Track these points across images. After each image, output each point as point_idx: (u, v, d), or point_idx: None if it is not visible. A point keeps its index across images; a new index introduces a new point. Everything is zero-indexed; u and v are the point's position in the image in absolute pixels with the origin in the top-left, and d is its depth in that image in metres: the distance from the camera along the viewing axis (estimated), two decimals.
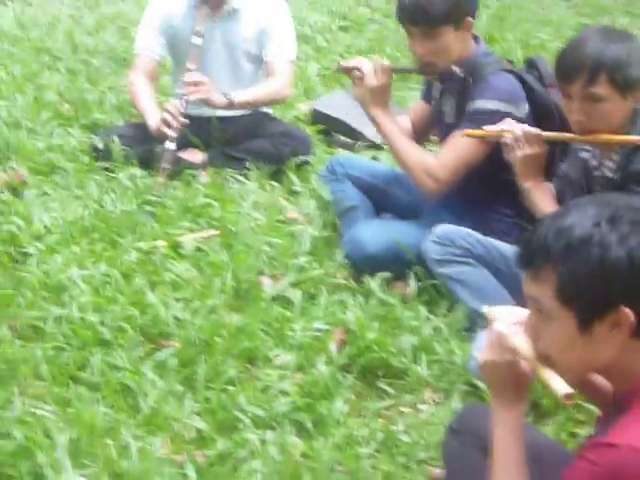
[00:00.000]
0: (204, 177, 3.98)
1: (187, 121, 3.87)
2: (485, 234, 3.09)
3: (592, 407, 2.61)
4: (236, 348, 2.85)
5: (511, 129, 2.86)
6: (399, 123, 3.33)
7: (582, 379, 1.77)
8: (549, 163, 2.90)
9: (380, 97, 3.22)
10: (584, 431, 2.57)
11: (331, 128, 4.56)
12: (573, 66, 2.58)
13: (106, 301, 3.04)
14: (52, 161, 4.08)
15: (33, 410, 2.55)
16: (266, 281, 3.22)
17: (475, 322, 2.96)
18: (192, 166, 3.99)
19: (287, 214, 3.73)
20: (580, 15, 7.19)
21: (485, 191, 3.28)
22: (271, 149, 4.04)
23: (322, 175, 3.70)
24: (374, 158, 4.18)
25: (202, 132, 4.06)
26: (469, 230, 3.07)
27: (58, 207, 3.69)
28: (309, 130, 4.46)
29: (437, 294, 3.12)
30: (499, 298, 2.92)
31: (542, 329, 1.65)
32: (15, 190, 3.83)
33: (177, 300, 3.09)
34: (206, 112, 4.04)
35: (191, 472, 2.38)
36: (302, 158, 4.05)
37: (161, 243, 3.44)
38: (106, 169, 3.98)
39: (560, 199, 2.86)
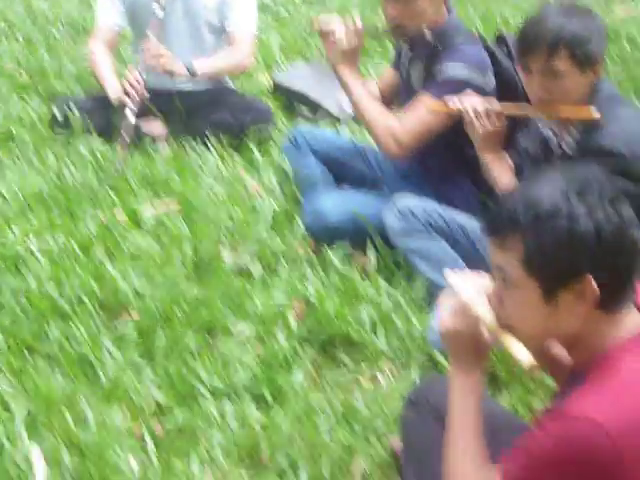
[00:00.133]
0: (164, 149, 3.95)
1: (147, 92, 3.84)
2: (445, 206, 3.11)
3: (548, 379, 2.65)
4: (196, 320, 2.85)
5: (472, 104, 2.86)
6: (366, 85, 3.33)
7: (542, 349, 1.79)
8: (509, 135, 2.91)
9: (350, 58, 3.22)
10: (539, 402, 2.60)
11: (292, 100, 4.54)
12: (533, 41, 2.59)
13: (64, 273, 3.03)
14: (10, 131, 4.04)
15: None
16: (226, 253, 3.22)
17: (434, 294, 2.97)
18: (152, 137, 3.96)
19: (248, 186, 3.72)
20: None
21: (445, 163, 3.29)
22: (232, 121, 4.02)
23: (283, 146, 3.70)
24: (335, 130, 4.18)
25: (163, 103, 4.03)
26: (429, 202, 3.09)
27: (16, 178, 3.65)
28: (270, 102, 4.44)
29: (396, 267, 3.13)
30: (458, 269, 2.94)
31: (506, 298, 1.65)
32: None
33: (136, 272, 3.07)
34: (167, 83, 4.01)
35: (150, 443, 2.39)
36: (263, 130, 4.03)
37: (120, 215, 3.42)
38: (65, 140, 3.94)
39: (518, 172, 2.88)
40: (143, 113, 3.93)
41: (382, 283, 3.06)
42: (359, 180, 3.53)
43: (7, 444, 2.33)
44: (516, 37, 2.70)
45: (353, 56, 3.22)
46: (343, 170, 3.54)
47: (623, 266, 1.60)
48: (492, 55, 3.16)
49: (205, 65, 3.97)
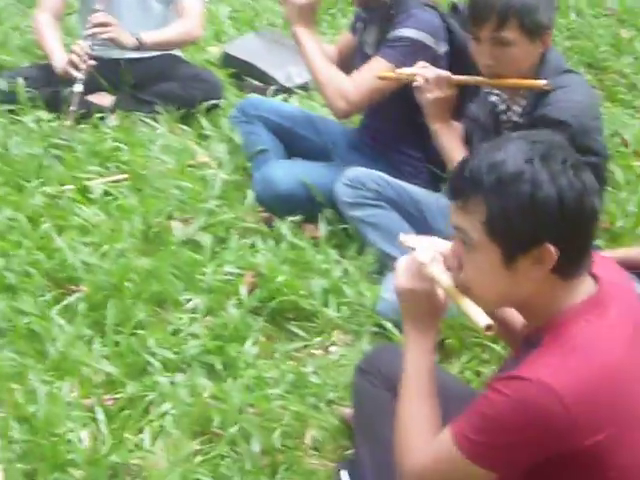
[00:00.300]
0: (113, 120, 3.90)
1: (94, 62, 3.79)
2: (395, 177, 3.12)
3: (496, 346, 2.69)
4: (146, 292, 2.84)
5: (422, 72, 2.86)
6: (323, 47, 3.32)
7: (495, 312, 1.80)
8: (459, 104, 2.92)
9: (307, 16, 3.21)
10: (488, 370, 2.64)
11: (242, 72, 4.50)
12: (483, 10, 2.60)
13: (11, 246, 2.99)
14: None
15: None
16: (176, 225, 3.20)
17: (384, 265, 2.99)
18: (100, 109, 3.91)
19: (197, 158, 3.69)
20: None
21: (396, 135, 3.30)
22: (181, 92, 3.98)
23: (233, 116, 3.68)
24: (285, 101, 4.16)
25: (111, 74, 3.98)
26: (380, 173, 3.09)
27: None
28: (220, 74, 4.40)
29: (347, 237, 3.14)
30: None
31: (465, 260, 1.66)
32: None
33: (85, 244, 3.05)
34: (115, 54, 3.95)
35: (100, 415, 2.38)
36: (213, 102, 4.00)
37: (69, 187, 3.39)
38: (11, 112, 3.87)
39: (468, 140, 2.90)
40: (91, 85, 3.88)
41: (332, 253, 3.07)
42: (310, 150, 3.52)
43: None
44: (467, 6, 2.71)
45: (309, 14, 3.22)
46: (294, 140, 3.53)
47: (582, 233, 1.61)
48: (446, 24, 3.16)
49: (153, 35, 3.93)
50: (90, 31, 3.83)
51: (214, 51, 4.77)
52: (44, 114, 3.85)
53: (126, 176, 3.50)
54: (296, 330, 2.82)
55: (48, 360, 2.58)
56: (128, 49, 3.90)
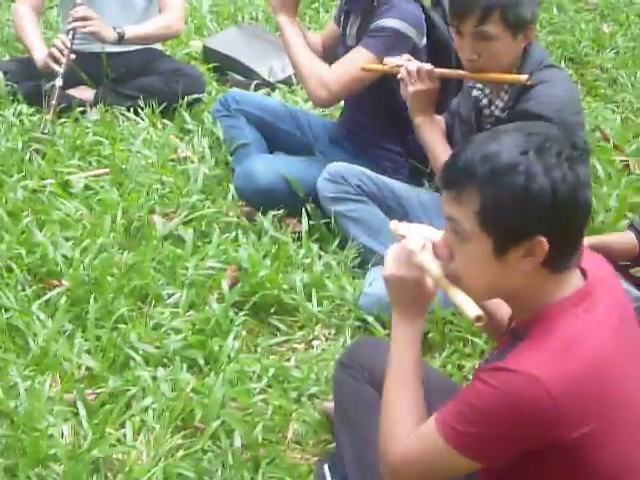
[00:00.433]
0: (94, 114, 3.89)
1: (74, 56, 3.77)
2: (376, 172, 3.12)
3: (478, 340, 2.69)
4: (127, 286, 2.83)
5: (405, 64, 2.86)
6: (307, 36, 3.33)
7: (483, 304, 1.79)
8: (440, 98, 2.92)
9: (289, 5, 3.22)
10: (470, 364, 2.64)
11: (224, 66, 4.50)
12: (466, 4, 2.60)
13: None
14: None
15: None
16: (158, 219, 3.19)
17: (366, 259, 3.00)
18: (81, 103, 3.90)
19: (179, 152, 3.69)
20: None
21: (375, 129, 3.31)
22: (163, 87, 3.97)
23: (215, 110, 3.68)
24: (267, 95, 4.16)
25: (92, 68, 3.96)
26: (362, 168, 3.10)
27: None
28: (202, 68, 4.40)
29: (329, 232, 3.14)
30: (390, 235, 2.96)
31: (457, 250, 1.66)
32: None
33: (66, 239, 3.03)
34: (96, 47, 3.94)
35: (82, 410, 2.37)
36: (195, 96, 3.99)
37: (49, 181, 3.37)
38: None
39: (450, 134, 2.90)
40: (73, 79, 3.86)
41: (314, 248, 3.07)
42: (292, 145, 3.52)
43: None
44: (449, 0, 2.71)
45: (292, 4, 3.22)
46: (276, 135, 3.53)
47: (574, 227, 1.62)
48: (428, 17, 3.17)
49: (135, 29, 3.91)
50: (71, 25, 3.81)
51: (195, 45, 4.76)
52: (25, 108, 3.84)
53: (107, 170, 3.49)
54: (278, 324, 2.82)
55: (29, 355, 2.56)
56: (109, 43, 3.89)
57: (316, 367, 2.61)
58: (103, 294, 2.77)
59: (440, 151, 2.79)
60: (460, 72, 2.79)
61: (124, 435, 2.33)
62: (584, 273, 1.69)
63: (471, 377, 2.58)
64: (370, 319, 2.77)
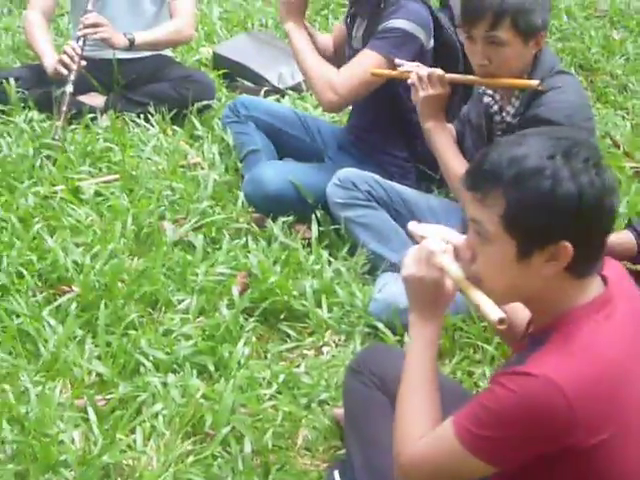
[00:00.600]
0: (104, 121, 3.90)
1: (85, 63, 3.78)
2: (384, 178, 3.12)
3: (489, 347, 2.69)
4: (137, 292, 2.83)
5: (415, 69, 2.86)
6: (317, 38, 3.35)
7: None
8: (451, 104, 2.92)
9: (295, 11, 3.24)
10: (480, 370, 2.64)
11: (234, 73, 4.51)
12: (478, 9, 2.60)
13: (3, 246, 2.98)
14: None
15: None
16: (168, 226, 3.20)
17: (376, 265, 3.00)
18: (92, 110, 3.91)
19: (189, 159, 3.70)
20: None
21: (381, 135, 3.31)
22: (173, 93, 3.99)
23: (224, 116, 3.68)
24: (276, 101, 4.16)
25: (103, 75, 3.98)
26: (371, 174, 3.10)
27: None
28: (212, 75, 4.41)
29: (339, 238, 3.14)
30: (399, 241, 2.97)
31: (479, 252, 1.65)
32: None
33: (77, 245, 3.04)
34: (107, 54, 3.95)
35: (92, 416, 2.37)
36: (205, 103, 4.00)
37: (60, 188, 3.38)
38: (2, 112, 3.87)
39: (460, 141, 2.90)
40: (84, 86, 3.87)
41: (324, 254, 3.07)
42: (301, 151, 3.53)
43: None
44: (461, 4, 2.71)
45: (298, 10, 3.24)
46: (285, 141, 3.53)
47: (599, 233, 1.61)
48: (435, 19, 3.17)
49: (144, 34, 3.93)
50: (82, 32, 3.82)
51: (205, 52, 4.78)
52: (35, 115, 3.85)
53: (118, 177, 3.50)
54: (288, 331, 2.82)
55: (40, 361, 2.57)
56: (120, 49, 3.90)
57: (326, 373, 2.61)
58: (113, 300, 2.78)
59: (451, 156, 2.79)
60: (471, 77, 2.78)
61: (134, 441, 2.33)
62: (604, 280, 1.68)
63: (481, 383, 2.59)
64: (380, 325, 2.76)
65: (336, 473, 2.20)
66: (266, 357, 2.71)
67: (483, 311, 1.66)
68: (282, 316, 2.86)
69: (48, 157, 3.58)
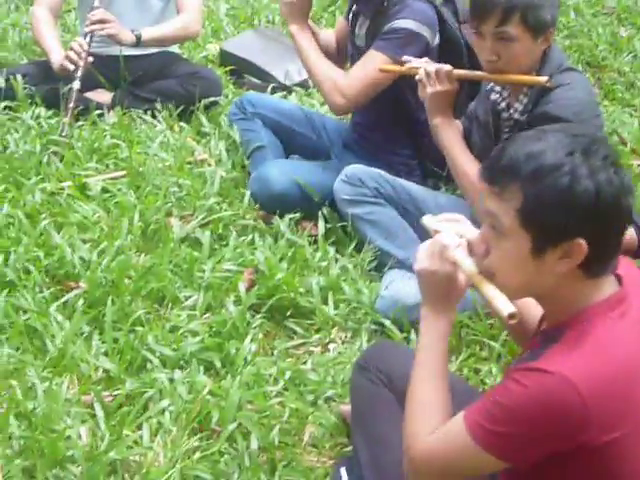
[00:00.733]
0: (111, 117, 3.90)
1: (92, 59, 3.78)
2: (391, 175, 3.12)
3: (495, 344, 2.69)
4: (144, 289, 2.84)
5: (423, 65, 2.85)
6: (321, 36, 3.35)
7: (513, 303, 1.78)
8: (457, 101, 2.92)
9: (297, 14, 3.23)
10: (486, 367, 2.64)
11: (241, 69, 4.51)
12: (487, 5, 2.60)
13: (10, 242, 2.99)
14: None
15: None
16: (175, 222, 3.20)
17: (382, 262, 3.00)
18: (99, 106, 3.91)
19: (196, 155, 3.70)
20: None
21: (385, 132, 3.31)
22: (180, 90, 3.99)
23: (231, 113, 3.68)
24: (283, 98, 4.16)
25: (110, 71, 3.98)
26: (379, 170, 3.09)
27: None
28: (218, 71, 4.41)
29: (345, 235, 3.14)
30: (407, 238, 2.97)
31: (494, 246, 1.65)
32: None
33: (84, 241, 3.05)
34: (114, 50, 3.95)
35: (99, 412, 2.37)
36: (212, 99, 4.00)
37: (67, 184, 3.38)
38: (9, 108, 3.87)
39: (467, 138, 2.89)
40: (91, 82, 3.87)
41: (331, 251, 3.07)
42: (308, 148, 3.53)
43: None
44: (470, 0, 2.70)
45: (300, 12, 3.24)
46: (292, 138, 3.53)
47: (614, 231, 1.61)
48: (439, 14, 3.16)
49: (151, 30, 3.93)
50: (89, 28, 3.82)
51: (212, 48, 4.78)
52: (42, 111, 3.85)
53: (124, 173, 3.50)
54: (295, 327, 2.82)
55: (47, 356, 2.57)
56: (127, 45, 3.90)
57: (332, 370, 2.61)
58: (120, 296, 2.78)
59: (458, 153, 2.78)
60: (479, 73, 2.78)
61: (141, 437, 2.34)
62: (619, 278, 1.68)
63: (487, 381, 2.59)
64: (387, 322, 2.77)
65: (342, 470, 2.20)
66: (273, 354, 2.71)
67: (495, 306, 1.66)
68: (289, 313, 2.86)
69: (55, 153, 3.58)
